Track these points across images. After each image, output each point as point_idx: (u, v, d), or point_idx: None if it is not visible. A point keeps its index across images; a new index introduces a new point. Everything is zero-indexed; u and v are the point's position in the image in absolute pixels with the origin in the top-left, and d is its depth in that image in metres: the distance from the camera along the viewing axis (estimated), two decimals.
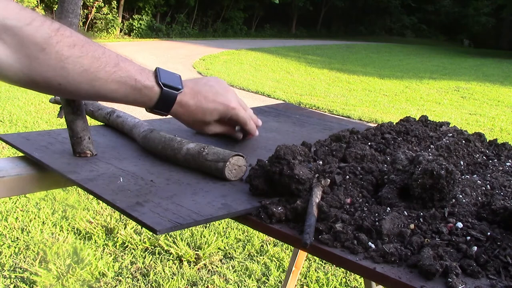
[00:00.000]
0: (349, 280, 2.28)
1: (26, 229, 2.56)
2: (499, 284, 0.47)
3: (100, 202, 2.49)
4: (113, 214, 2.77)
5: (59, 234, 2.53)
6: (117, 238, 2.51)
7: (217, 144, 0.86)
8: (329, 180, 0.65)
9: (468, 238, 0.55)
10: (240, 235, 2.66)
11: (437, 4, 29.49)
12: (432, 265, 0.48)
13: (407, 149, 0.82)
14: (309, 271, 2.34)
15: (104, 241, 2.49)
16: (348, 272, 2.31)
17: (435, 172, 0.60)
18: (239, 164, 0.74)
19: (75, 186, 0.73)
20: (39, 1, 14.18)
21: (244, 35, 21.16)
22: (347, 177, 0.67)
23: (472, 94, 8.63)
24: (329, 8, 24.96)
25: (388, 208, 0.60)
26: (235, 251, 2.49)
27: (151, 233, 0.93)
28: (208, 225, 2.71)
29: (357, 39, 24.02)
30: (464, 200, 0.64)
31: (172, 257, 2.38)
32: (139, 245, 2.46)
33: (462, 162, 0.81)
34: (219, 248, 2.50)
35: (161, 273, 2.23)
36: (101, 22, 16.05)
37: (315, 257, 2.40)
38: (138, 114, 1.01)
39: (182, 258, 2.36)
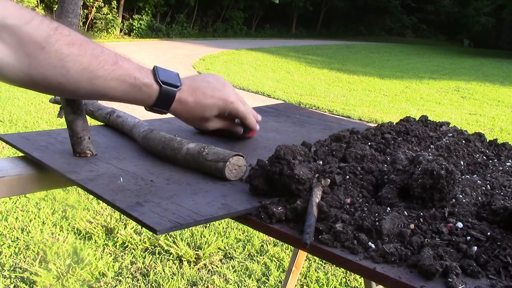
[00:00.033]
0: (349, 280, 2.28)
1: (26, 229, 2.56)
2: (499, 284, 0.47)
3: (100, 202, 2.49)
4: (113, 214, 2.77)
5: (59, 234, 2.53)
6: (117, 238, 2.51)
7: (217, 144, 0.86)
8: (329, 180, 0.65)
9: (468, 238, 0.55)
10: (240, 235, 2.66)
11: (437, 4, 29.49)
12: (432, 265, 0.48)
13: (407, 149, 0.82)
14: (309, 271, 2.34)
15: (104, 241, 2.49)
16: (348, 272, 2.32)
17: (435, 172, 0.60)
18: (239, 164, 0.74)
19: (75, 186, 0.73)
20: (39, 1, 14.18)
21: (244, 35, 21.15)
22: (347, 177, 0.67)
23: (472, 94, 8.63)
24: (329, 8, 24.95)
25: (388, 208, 0.60)
26: (235, 251, 2.49)
27: (151, 233, 0.93)
28: (208, 225, 2.71)
29: (357, 39, 24.02)
30: (464, 200, 0.64)
31: (172, 257, 2.38)
32: (139, 245, 2.46)
33: (462, 162, 0.81)
34: (219, 248, 2.50)
35: (161, 273, 2.23)
36: (101, 22, 16.05)
37: (315, 257, 2.40)
38: (138, 114, 1.01)
39: (182, 258, 2.36)
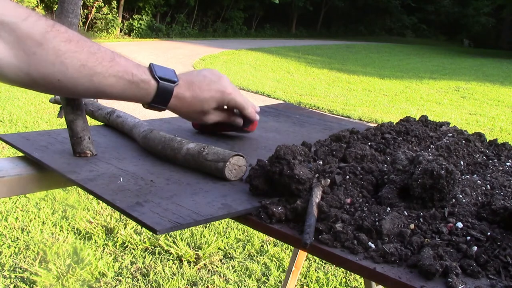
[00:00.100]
0: (349, 280, 2.28)
1: (26, 229, 2.56)
2: (499, 284, 0.47)
3: (100, 202, 2.49)
4: (113, 214, 2.77)
5: (59, 234, 2.53)
6: (117, 238, 2.51)
7: (217, 144, 0.86)
8: (329, 180, 0.65)
9: (468, 238, 0.55)
10: (240, 235, 2.66)
11: (437, 4, 29.48)
12: (432, 265, 0.48)
13: (407, 149, 0.82)
14: (309, 271, 2.34)
15: (104, 241, 2.49)
16: (348, 272, 2.32)
17: (435, 172, 0.60)
18: (239, 164, 0.74)
19: (75, 186, 0.73)
20: (39, 1, 14.18)
21: (244, 35, 21.14)
22: (347, 177, 0.67)
23: (472, 94, 8.63)
24: (329, 8, 24.95)
25: (388, 208, 0.60)
26: (235, 251, 2.49)
27: (151, 233, 0.93)
28: (208, 225, 2.71)
29: (357, 39, 24.01)
30: (464, 200, 0.64)
31: (172, 257, 2.38)
32: (139, 245, 2.46)
33: (462, 162, 0.81)
34: (219, 248, 2.50)
35: (161, 273, 2.23)
36: (101, 22, 16.05)
37: (315, 257, 2.40)
38: (138, 114, 1.01)
39: (182, 258, 2.36)
